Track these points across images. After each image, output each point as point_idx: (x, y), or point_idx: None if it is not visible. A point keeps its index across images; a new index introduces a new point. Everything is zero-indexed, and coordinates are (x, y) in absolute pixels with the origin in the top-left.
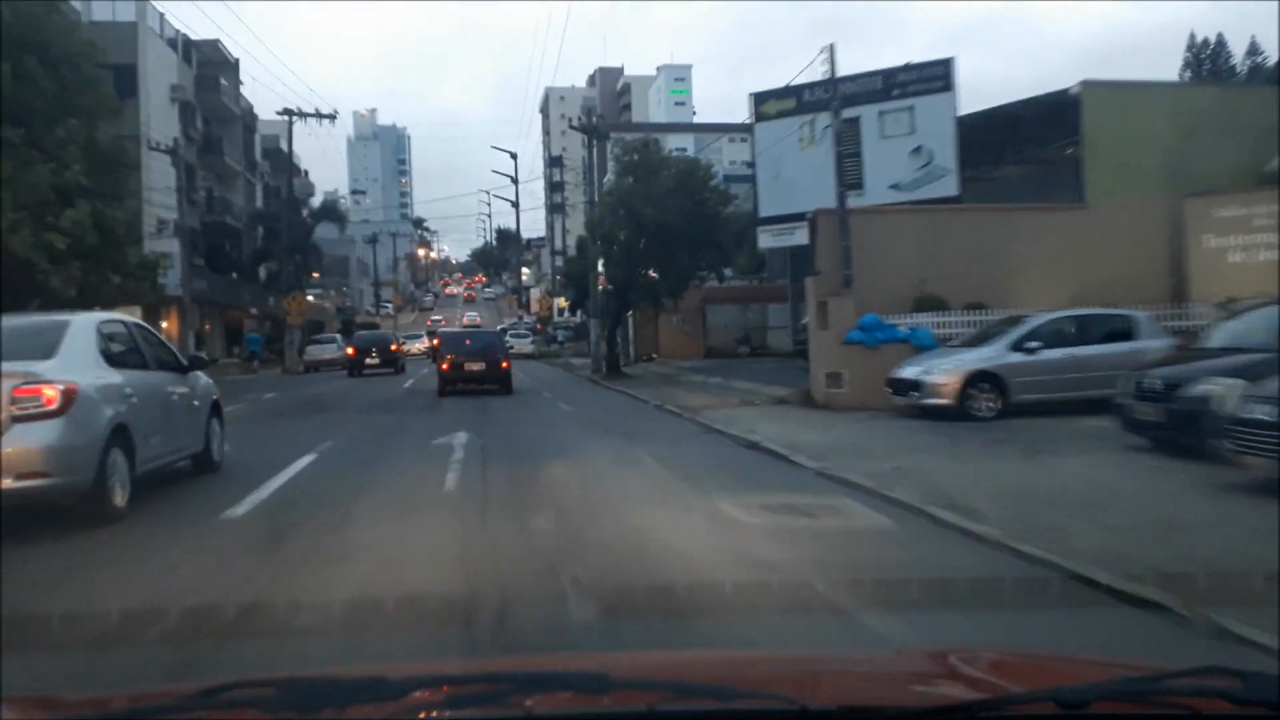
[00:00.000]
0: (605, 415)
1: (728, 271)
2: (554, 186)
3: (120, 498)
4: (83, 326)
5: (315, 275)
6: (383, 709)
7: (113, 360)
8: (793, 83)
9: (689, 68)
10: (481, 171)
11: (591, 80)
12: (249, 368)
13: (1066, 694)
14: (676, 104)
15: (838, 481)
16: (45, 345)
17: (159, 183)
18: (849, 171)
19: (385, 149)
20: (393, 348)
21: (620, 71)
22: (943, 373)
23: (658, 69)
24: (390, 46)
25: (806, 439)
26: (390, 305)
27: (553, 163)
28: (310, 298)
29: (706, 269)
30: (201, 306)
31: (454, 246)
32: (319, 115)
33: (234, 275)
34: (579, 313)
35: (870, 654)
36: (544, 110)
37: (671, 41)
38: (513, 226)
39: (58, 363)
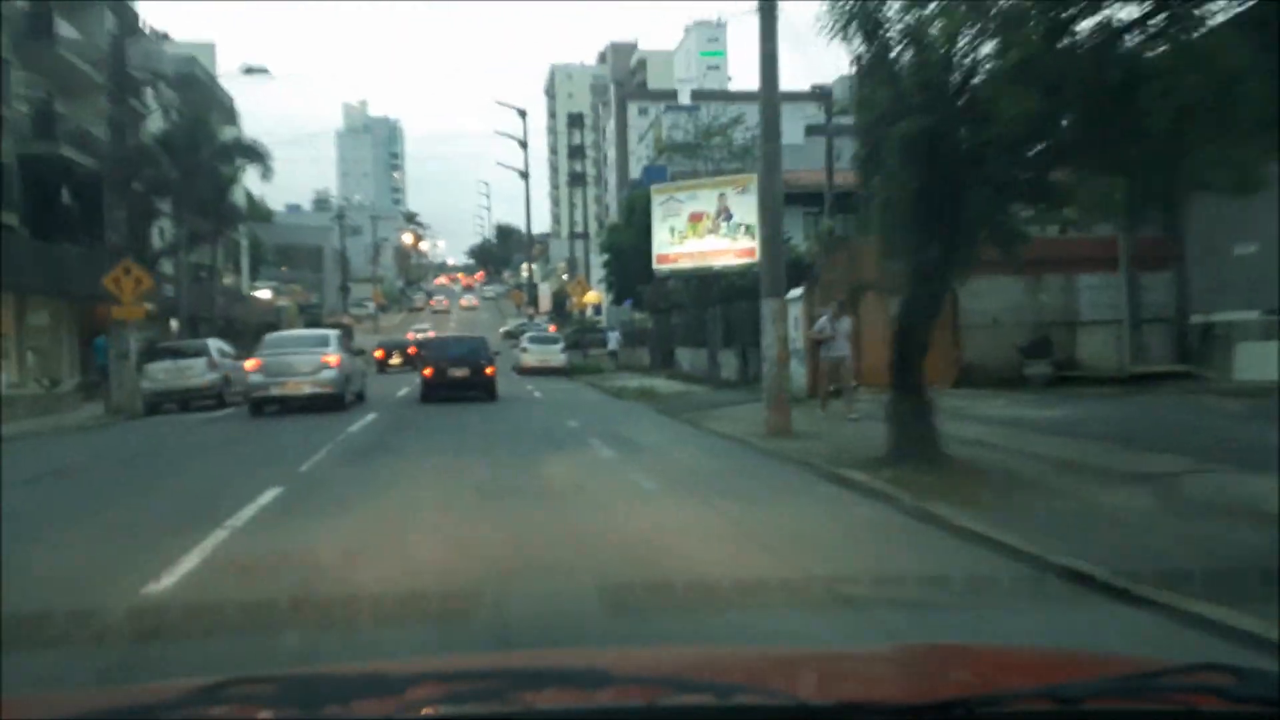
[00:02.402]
0: None
1: None
2: (573, 152)
3: (350, 402)
4: (334, 333)
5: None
6: (384, 705)
7: (344, 348)
8: None
9: (723, 26)
10: (480, 167)
11: (602, 57)
12: (101, 392)
13: (1063, 690)
14: (710, 68)
15: None
16: (323, 342)
17: None
18: None
19: (377, 142)
20: (410, 351)
21: (634, 47)
22: None
23: (686, 29)
24: (383, 36)
25: None
26: (370, 304)
27: (572, 123)
28: (266, 293)
29: None
30: (20, 296)
31: (451, 252)
32: None
33: (89, 245)
34: (604, 308)
35: (868, 650)
36: (549, 91)
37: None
38: (512, 222)
39: (331, 348)
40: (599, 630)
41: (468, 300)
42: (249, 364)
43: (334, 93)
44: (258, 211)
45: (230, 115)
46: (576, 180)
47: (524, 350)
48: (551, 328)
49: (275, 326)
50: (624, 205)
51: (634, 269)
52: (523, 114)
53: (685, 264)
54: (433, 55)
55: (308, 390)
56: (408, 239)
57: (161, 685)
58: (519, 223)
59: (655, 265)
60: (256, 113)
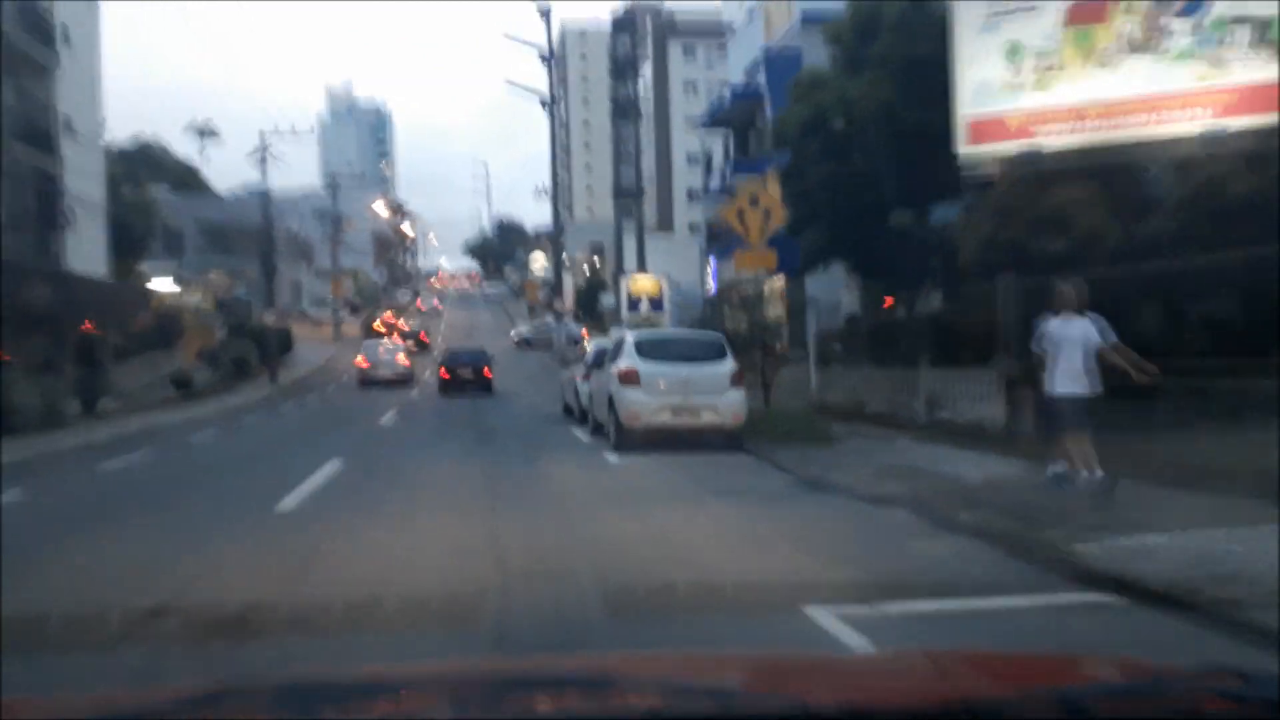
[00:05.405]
0: None
1: None
2: (619, 68)
3: (412, 381)
4: (403, 343)
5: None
6: (382, 710)
7: (408, 352)
8: None
9: None
10: (477, 160)
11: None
12: None
13: (1069, 694)
14: None
15: None
16: (400, 349)
17: None
18: None
19: (362, 129)
20: (421, 336)
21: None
22: None
23: None
24: (366, 11)
25: None
26: (334, 302)
27: (617, 28)
28: (165, 282)
29: None
30: None
31: (445, 257)
32: None
33: None
34: (663, 300)
35: (874, 655)
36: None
37: None
38: (513, 216)
39: (402, 352)
40: None
41: (459, 289)
42: (359, 360)
43: (315, 77)
44: (196, 180)
45: None
46: (624, 111)
47: (624, 379)
48: (584, 333)
49: (170, 331)
50: (849, 22)
51: (881, 175)
52: (545, 13)
53: (1057, 137)
54: (422, 30)
55: (390, 374)
56: (382, 210)
57: (158, 689)
58: (518, 216)
59: (963, 148)
60: (237, 104)
